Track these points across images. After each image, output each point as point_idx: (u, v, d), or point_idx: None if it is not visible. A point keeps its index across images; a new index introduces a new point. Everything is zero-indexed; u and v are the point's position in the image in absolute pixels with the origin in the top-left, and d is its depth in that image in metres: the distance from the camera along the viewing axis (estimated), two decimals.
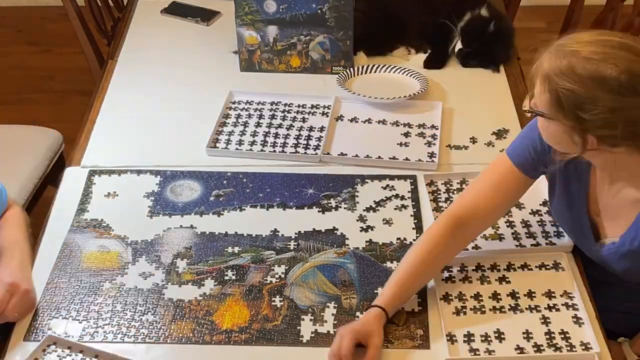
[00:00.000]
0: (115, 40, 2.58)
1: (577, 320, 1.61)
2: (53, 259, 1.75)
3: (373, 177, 1.96)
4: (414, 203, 1.89)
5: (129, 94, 2.27)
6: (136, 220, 1.85)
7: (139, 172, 1.98)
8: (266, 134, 2.09)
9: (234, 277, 1.71)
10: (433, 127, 2.11)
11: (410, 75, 2.30)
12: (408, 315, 1.62)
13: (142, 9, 2.67)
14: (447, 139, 2.09)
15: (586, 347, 1.55)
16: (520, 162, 1.65)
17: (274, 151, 2.04)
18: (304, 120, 2.14)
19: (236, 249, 1.77)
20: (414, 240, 1.78)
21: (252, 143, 2.06)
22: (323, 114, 2.17)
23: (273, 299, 1.66)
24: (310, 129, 2.11)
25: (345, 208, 1.88)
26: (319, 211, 1.87)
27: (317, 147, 2.04)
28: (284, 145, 2.05)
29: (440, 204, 1.88)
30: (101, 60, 2.72)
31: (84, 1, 2.74)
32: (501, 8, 2.58)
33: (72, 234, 1.81)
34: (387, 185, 1.93)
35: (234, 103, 2.21)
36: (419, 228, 1.82)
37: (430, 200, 1.89)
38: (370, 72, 2.33)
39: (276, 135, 2.09)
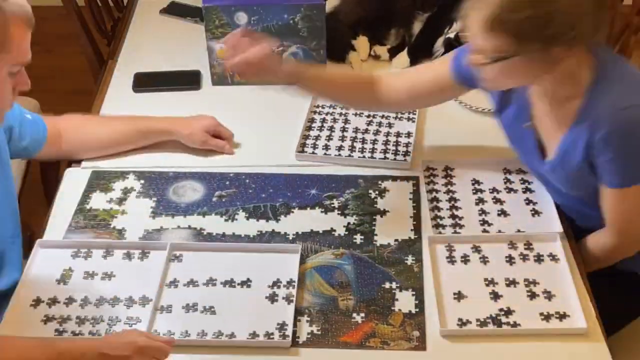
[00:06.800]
0: (115, 40, 2.58)
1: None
2: None
3: (376, 178, 1.96)
4: (414, 204, 1.89)
5: (129, 94, 2.27)
6: (138, 221, 1.85)
7: (141, 173, 1.98)
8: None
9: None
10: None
11: None
12: (404, 316, 1.62)
13: (142, 9, 2.67)
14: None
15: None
16: (458, 71, 1.76)
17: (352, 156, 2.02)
18: (389, 125, 2.13)
19: None
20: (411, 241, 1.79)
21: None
22: (409, 119, 2.14)
23: None
24: (398, 134, 2.10)
25: (346, 208, 1.88)
26: (321, 212, 1.87)
27: (406, 154, 2.02)
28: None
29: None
30: (101, 60, 2.72)
31: (84, 1, 2.75)
32: None
33: (71, 233, 1.81)
34: (389, 186, 1.93)
35: (317, 107, 2.19)
36: (417, 229, 1.82)
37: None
38: None
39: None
